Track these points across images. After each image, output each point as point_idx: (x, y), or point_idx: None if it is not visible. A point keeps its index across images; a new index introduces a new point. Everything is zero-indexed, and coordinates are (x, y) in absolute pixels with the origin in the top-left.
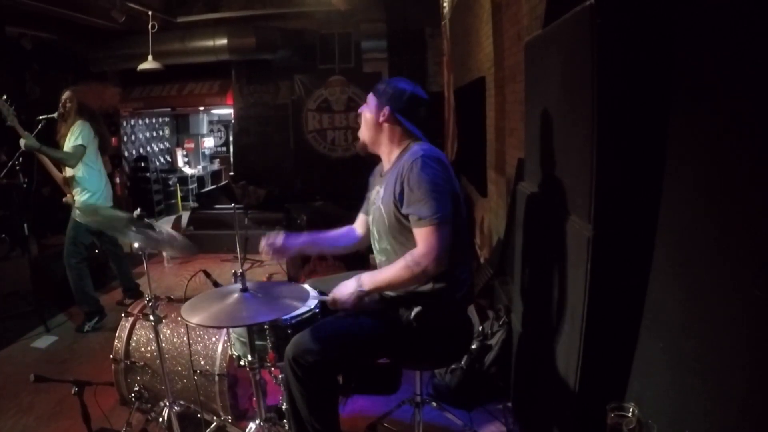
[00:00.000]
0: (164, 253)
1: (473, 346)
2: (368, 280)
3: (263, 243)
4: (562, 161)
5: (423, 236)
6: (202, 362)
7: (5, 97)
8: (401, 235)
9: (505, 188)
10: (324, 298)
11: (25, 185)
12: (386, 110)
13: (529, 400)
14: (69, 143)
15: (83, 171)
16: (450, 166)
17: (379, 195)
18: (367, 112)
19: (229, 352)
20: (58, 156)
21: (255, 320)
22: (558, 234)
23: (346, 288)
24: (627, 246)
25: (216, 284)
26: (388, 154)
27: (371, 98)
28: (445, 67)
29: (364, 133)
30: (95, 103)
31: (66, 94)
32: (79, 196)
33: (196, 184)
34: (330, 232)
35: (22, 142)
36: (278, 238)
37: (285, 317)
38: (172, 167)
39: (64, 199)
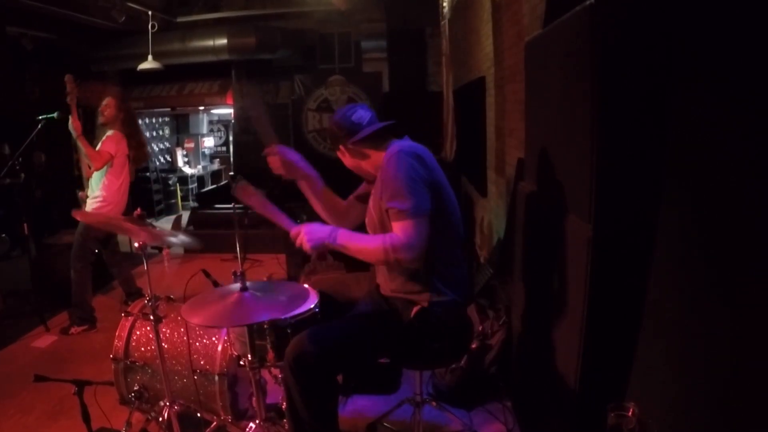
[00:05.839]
0: (164, 253)
1: (473, 346)
2: (343, 238)
3: (271, 150)
4: (562, 161)
5: (401, 229)
6: (202, 362)
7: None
8: None
9: (505, 188)
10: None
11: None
12: (343, 149)
13: (529, 399)
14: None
15: (104, 179)
16: (432, 159)
17: (371, 197)
18: (348, 162)
19: (229, 351)
20: (88, 152)
21: (255, 319)
22: (558, 234)
23: (318, 233)
24: (627, 246)
25: (216, 284)
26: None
27: (339, 152)
28: (444, 66)
29: (362, 173)
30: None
31: (106, 101)
32: (91, 202)
33: (196, 184)
34: (331, 193)
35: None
36: (290, 153)
37: (285, 317)
38: (172, 167)
39: (80, 194)
